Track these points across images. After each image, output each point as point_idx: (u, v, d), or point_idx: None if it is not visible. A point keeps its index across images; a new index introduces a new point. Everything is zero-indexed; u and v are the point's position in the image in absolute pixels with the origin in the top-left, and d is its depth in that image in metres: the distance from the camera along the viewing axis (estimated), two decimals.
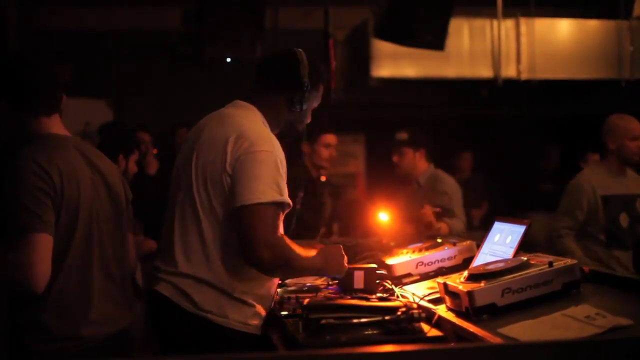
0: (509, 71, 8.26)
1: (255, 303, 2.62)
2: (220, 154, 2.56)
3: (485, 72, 8.26)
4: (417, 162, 4.97)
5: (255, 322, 2.63)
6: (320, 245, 2.98)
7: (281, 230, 2.55)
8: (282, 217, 2.55)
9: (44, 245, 2.23)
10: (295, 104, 2.72)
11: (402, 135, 4.99)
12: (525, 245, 2.69)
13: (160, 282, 2.62)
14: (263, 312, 2.66)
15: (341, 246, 2.79)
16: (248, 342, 2.58)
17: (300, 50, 2.76)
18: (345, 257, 2.77)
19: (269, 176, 2.50)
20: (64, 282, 2.34)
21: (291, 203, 2.56)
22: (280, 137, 2.73)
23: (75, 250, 2.38)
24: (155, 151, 5.50)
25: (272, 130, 2.72)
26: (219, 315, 2.55)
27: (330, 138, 5.14)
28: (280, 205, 2.52)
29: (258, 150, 2.53)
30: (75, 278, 2.38)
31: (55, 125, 2.45)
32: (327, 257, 2.70)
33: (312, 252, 2.65)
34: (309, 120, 2.85)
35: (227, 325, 2.55)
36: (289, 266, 2.54)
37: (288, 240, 2.53)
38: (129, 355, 2.60)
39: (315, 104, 2.83)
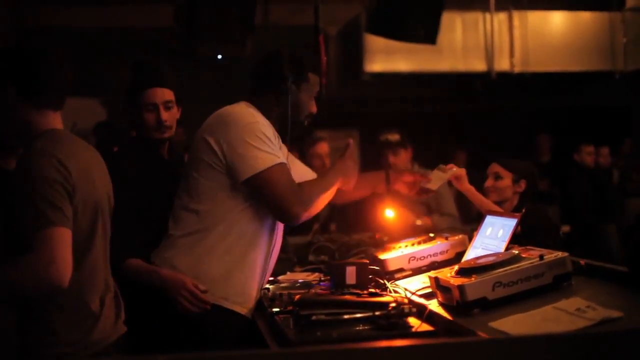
0: (503, 64, 8.27)
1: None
2: (202, 136, 2.81)
3: (478, 65, 8.26)
4: (407, 163, 5.14)
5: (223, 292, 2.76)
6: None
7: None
8: (290, 171, 2.80)
9: (66, 239, 2.16)
10: (281, 96, 2.88)
11: (395, 136, 5.15)
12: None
13: None
14: (232, 277, 2.78)
15: (350, 157, 3.00)
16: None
17: (284, 48, 2.94)
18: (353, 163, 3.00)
19: (260, 144, 2.72)
20: (80, 285, 2.29)
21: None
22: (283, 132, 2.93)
23: (97, 250, 2.35)
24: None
25: (278, 126, 2.89)
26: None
27: (321, 148, 5.32)
28: (282, 163, 2.75)
29: (242, 125, 2.75)
30: (90, 281, 2.34)
31: (58, 123, 2.39)
32: (338, 171, 2.96)
33: (325, 177, 2.97)
34: (312, 110, 2.99)
35: None
36: (317, 207, 2.86)
37: (306, 187, 2.83)
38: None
39: (311, 95, 2.97)
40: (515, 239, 2.66)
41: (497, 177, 3.69)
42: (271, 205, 2.75)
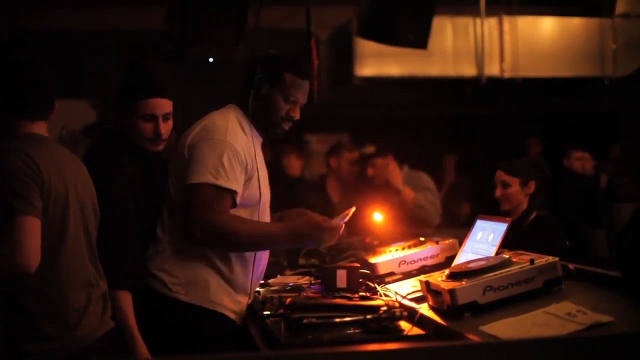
0: (493, 69, 8.28)
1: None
2: (183, 143, 2.80)
3: (468, 70, 8.27)
4: (386, 169, 5.22)
5: (214, 297, 2.75)
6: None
7: (224, 210, 2.69)
8: (227, 200, 2.70)
9: (33, 228, 2.21)
10: (253, 95, 2.83)
11: (369, 149, 5.31)
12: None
13: None
14: (224, 285, 2.77)
15: (316, 220, 2.82)
16: (204, 316, 2.73)
17: (271, 50, 2.91)
18: (327, 227, 2.75)
19: (210, 161, 2.68)
20: (59, 278, 2.33)
21: (238, 190, 2.72)
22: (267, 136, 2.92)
23: (70, 244, 2.36)
24: None
25: (259, 129, 2.88)
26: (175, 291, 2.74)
27: (352, 155, 5.79)
28: (219, 188, 2.67)
29: (209, 137, 2.73)
30: (70, 275, 2.36)
31: (39, 129, 2.43)
32: (295, 231, 2.77)
33: (274, 228, 2.85)
34: (290, 113, 2.88)
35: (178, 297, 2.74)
36: (229, 243, 2.72)
37: (232, 219, 2.69)
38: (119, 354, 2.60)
39: (287, 96, 2.86)
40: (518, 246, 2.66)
41: (505, 185, 3.58)
42: (183, 217, 2.71)
